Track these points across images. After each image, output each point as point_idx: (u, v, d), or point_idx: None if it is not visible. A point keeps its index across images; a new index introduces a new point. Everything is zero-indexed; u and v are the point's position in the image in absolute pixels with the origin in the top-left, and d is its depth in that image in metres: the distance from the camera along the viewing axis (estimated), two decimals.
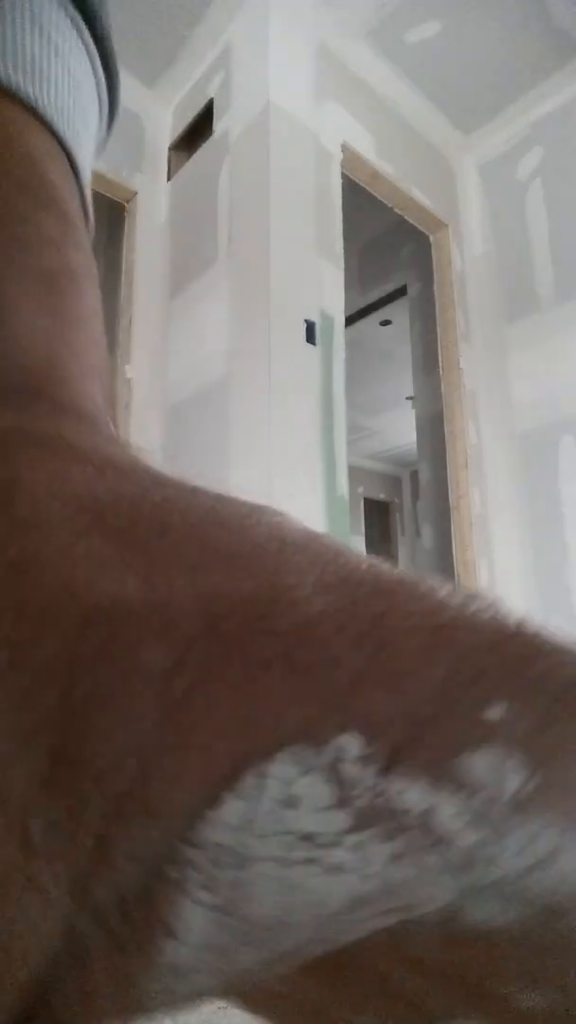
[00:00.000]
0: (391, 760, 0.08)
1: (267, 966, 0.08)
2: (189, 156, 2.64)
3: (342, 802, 0.08)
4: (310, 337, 2.11)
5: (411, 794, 0.08)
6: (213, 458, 2.11)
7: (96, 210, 0.20)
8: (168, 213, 2.69)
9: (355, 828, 0.08)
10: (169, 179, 2.72)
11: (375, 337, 4.38)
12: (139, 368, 2.49)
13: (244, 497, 0.12)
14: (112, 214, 2.68)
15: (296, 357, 2.07)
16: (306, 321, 2.11)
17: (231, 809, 0.08)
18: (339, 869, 0.08)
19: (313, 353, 2.12)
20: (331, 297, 2.23)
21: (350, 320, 3.39)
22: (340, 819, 0.08)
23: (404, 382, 3.71)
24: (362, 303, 3.56)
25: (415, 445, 3.17)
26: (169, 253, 2.63)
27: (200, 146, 2.56)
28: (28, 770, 0.08)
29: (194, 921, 0.08)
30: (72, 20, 0.19)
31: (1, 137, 0.16)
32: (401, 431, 6.19)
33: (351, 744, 0.08)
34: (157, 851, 0.08)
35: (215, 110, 2.50)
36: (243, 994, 0.11)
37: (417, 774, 0.08)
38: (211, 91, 2.54)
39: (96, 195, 2.31)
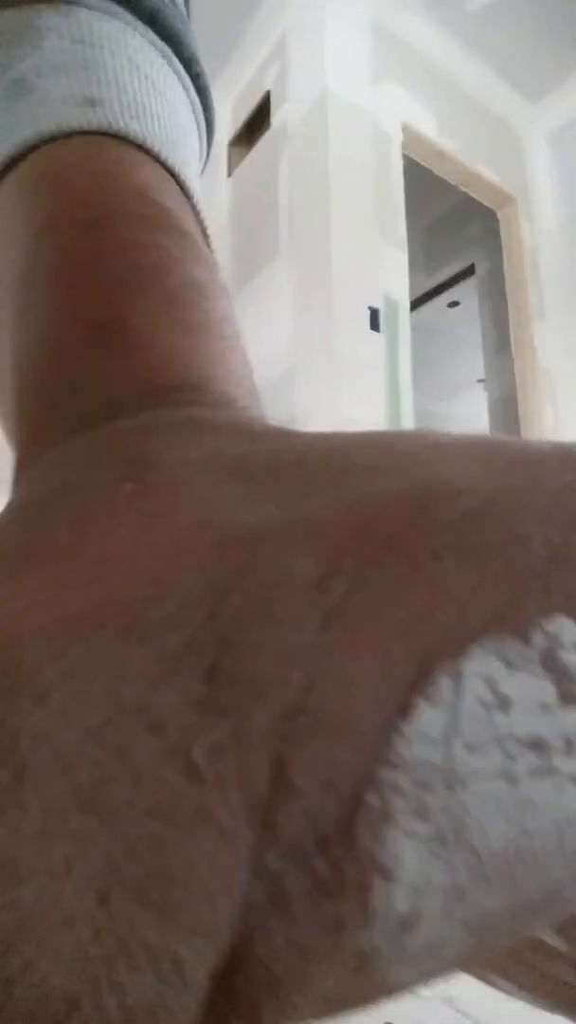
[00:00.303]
0: None
1: (520, 917, 0.07)
2: (248, 150, 2.65)
3: (569, 696, 0.07)
4: (374, 324, 2.08)
5: None
6: None
7: None
8: (229, 209, 2.71)
9: None
10: (229, 175, 2.74)
11: (443, 319, 4.28)
12: None
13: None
14: None
15: (361, 345, 2.04)
16: (370, 308, 2.08)
17: (429, 718, 0.07)
18: None
19: (378, 340, 2.09)
20: (395, 282, 2.19)
21: (416, 303, 3.32)
22: (571, 716, 0.07)
23: (475, 365, 3.61)
24: (428, 285, 3.48)
25: (488, 429, 3.07)
26: (231, 249, 2.65)
27: (258, 139, 2.57)
28: (182, 692, 0.07)
29: (408, 856, 0.07)
30: (163, 54, 0.21)
31: (116, 174, 0.17)
32: (473, 415, 6.03)
33: (567, 627, 0.07)
34: (350, 774, 0.07)
35: (272, 102, 2.49)
36: (518, 979, 0.10)
37: None
38: (267, 83, 2.53)
39: None
